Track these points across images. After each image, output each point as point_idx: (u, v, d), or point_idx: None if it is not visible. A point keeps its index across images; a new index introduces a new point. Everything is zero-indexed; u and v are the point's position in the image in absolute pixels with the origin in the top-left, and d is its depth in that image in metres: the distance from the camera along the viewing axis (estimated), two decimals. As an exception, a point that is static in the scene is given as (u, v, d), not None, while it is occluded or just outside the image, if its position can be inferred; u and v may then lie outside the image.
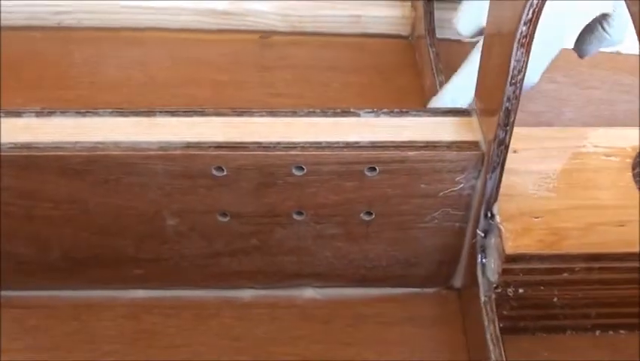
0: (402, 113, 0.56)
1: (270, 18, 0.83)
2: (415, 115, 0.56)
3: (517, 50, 0.48)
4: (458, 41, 0.81)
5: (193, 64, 0.81)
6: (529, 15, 0.46)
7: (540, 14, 0.46)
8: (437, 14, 0.78)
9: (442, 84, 0.70)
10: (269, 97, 0.77)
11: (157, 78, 0.79)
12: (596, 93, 0.79)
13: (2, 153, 0.53)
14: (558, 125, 0.74)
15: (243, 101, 0.75)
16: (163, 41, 0.83)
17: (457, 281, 0.62)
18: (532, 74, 0.67)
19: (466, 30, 0.67)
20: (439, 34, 0.78)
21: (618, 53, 0.81)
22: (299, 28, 0.83)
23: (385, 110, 0.56)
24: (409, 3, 0.82)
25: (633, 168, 0.60)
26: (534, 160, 0.60)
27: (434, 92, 0.70)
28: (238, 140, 0.54)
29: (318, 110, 0.56)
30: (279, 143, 0.54)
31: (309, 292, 0.63)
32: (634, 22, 0.32)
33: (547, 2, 0.45)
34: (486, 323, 0.55)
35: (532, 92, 0.73)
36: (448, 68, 0.73)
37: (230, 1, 0.82)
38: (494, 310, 0.56)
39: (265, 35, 0.83)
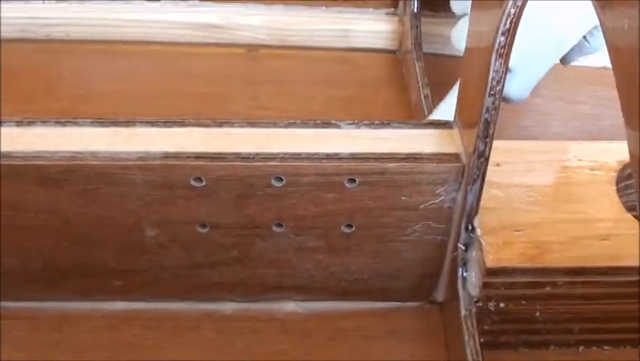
0: (383, 125, 0.56)
1: (258, 32, 0.83)
2: (396, 127, 0.56)
3: (496, 61, 0.47)
4: (445, 56, 0.81)
5: (180, 76, 0.81)
6: (507, 25, 0.46)
7: (518, 24, 0.46)
8: (424, 29, 0.78)
9: (427, 98, 0.70)
10: (254, 110, 0.77)
11: (144, 90, 0.79)
12: (582, 108, 0.79)
13: (-19, 163, 0.53)
14: (544, 139, 0.74)
15: (228, 113, 0.74)
16: (151, 54, 0.83)
17: (439, 295, 0.62)
18: (524, 89, 0.68)
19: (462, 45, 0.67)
20: (425, 49, 0.78)
21: (605, 68, 0.80)
22: (286, 42, 0.83)
23: (366, 121, 0.56)
24: (396, 17, 0.82)
25: (617, 183, 0.59)
26: (517, 173, 0.59)
27: (420, 106, 0.70)
28: (217, 150, 0.53)
29: (299, 122, 0.56)
30: (258, 154, 0.53)
31: (290, 306, 0.62)
32: (604, 35, 0.32)
33: (540, 14, 0.46)
34: (466, 338, 0.55)
35: (519, 106, 0.73)
36: (434, 83, 0.73)
37: (221, 15, 0.82)
38: (475, 324, 0.55)
39: (252, 49, 0.83)
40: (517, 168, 0.60)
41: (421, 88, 0.71)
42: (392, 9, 0.83)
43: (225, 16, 0.83)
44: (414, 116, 0.74)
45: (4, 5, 0.83)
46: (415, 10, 0.77)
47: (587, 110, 0.79)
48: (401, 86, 0.80)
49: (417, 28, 0.77)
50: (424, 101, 0.70)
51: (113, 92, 0.79)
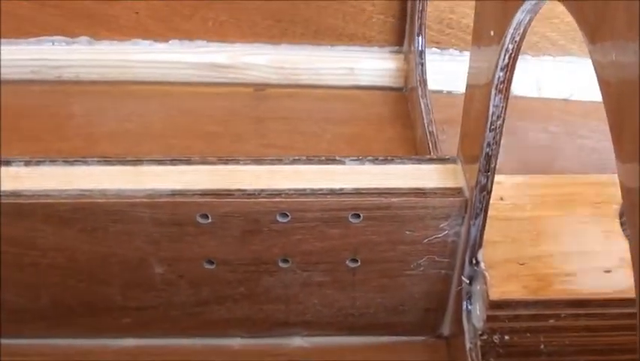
0: (386, 161, 0.57)
1: (265, 71, 0.84)
2: (399, 162, 0.57)
3: (495, 96, 0.48)
4: (450, 93, 0.82)
5: (189, 116, 0.82)
6: (505, 60, 0.46)
7: (516, 59, 0.47)
8: (429, 67, 0.79)
9: (432, 135, 0.71)
10: (262, 148, 0.78)
11: (153, 130, 0.80)
12: (587, 142, 0.80)
13: (-9, 202, 0.54)
14: (549, 173, 0.74)
15: (237, 151, 0.76)
16: (160, 94, 0.84)
17: (445, 329, 0.62)
18: None
19: None
20: (432, 87, 0.79)
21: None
22: (293, 80, 0.84)
23: (370, 157, 0.57)
24: (402, 56, 0.83)
25: (620, 216, 0.60)
26: (521, 207, 0.60)
27: (425, 143, 0.71)
28: (223, 187, 0.54)
29: (304, 158, 0.57)
30: (263, 190, 0.54)
31: (297, 341, 0.63)
32: (595, 69, 0.32)
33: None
34: (472, 371, 0.55)
35: (524, 141, 0.74)
36: (439, 120, 0.74)
37: (228, 55, 0.83)
38: (480, 357, 0.56)
39: (260, 88, 0.84)
40: (520, 201, 0.61)
41: (426, 125, 0.72)
42: (397, 47, 0.84)
43: (232, 55, 0.84)
44: (419, 153, 0.75)
45: (14, 47, 0.85)
46: (420, 47, 0.78)
47: (592, 145, 0.79)
48: (407, 124, 0.80)
49: (422, 65, 0.78)
50: (429, 138, 0.70)
51: (122, 131, 0.80)
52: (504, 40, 0.46)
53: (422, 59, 0.78)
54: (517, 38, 0.45)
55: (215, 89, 0.85)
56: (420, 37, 0.78)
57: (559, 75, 0.83)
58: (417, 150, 0.76)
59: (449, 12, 0.81)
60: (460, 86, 0.82)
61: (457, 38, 0.83)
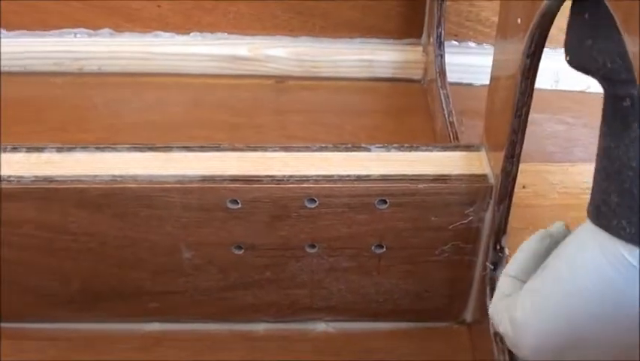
0: (412, 148, 0.58)
1: (285, 63, 0.85)
2: (424, 150, 0.58)
3: (522, 83, 0.49)
4: (469, 85, 0.83)
5: (210, 107, 0.83)
6: (532, 48, 0.47)
7: (543, 47, 0.47)
8: (447, 59, 0.80)
9: (452, 125, 0.72)
10: (284, 139, 0.78)
11: (175, 121, 0.81)
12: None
13: (25, 186, 0.55)
14: (568, 164, 0.75)
15: (258, 143, 0.77)
16: (181, 86, 0.85)
17: (468, 315, 0.63)
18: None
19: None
20: (449, 79, 0.80)
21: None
22: (313, 73, 0.85)
23: (396, 144, 0.57)
24: (420, 48, 0.84)
25: None
26: (542, 195, 0.61)
27: (446, 133, 0.72)
28: (252, 173, 0.55)
29: (330, 145, 0.58)
30: (292, 176, 0.55)
31: (321, 326, 0.64)
32: (634, 62, 0.33)
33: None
34: (496, 355, 0.56)
35: (543, 133, 0.75)
36: (457, 111, 0.75)
37: (249, 47, 0.84)
38: (504, 342, 0.56)
39: (280, 80, 0.85)
40: (542, 189, 0.62)
41: (446, 116, 0.73)
42: (415, 39, 0.85)
43: (253, 48, 0.85)
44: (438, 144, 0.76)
45: (38, 40, 0.86)
46: (440, 39, 0.79)
47: (609, 136, 0.80)
48: (426, 115, 0.81)
49: (441, 57, 0.78)
50: (449, 128, 0.71)
51: (144, 123, 0.81)
52: (531, 27, 0.47)
53: (441, 50, 0.79)
54: (545, 25, 0.46)
55: (235, 81, 0.85)
56: (439, 30, 0.78)
57: (576, 68, 0.84)
58: (437, 140, 0.77)
59: (468, 5, 0.82)
60: (477, 79, 0.84)
61: (475, 31, 0.84)
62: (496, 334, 0.57)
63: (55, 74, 0.86)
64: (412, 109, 0.83)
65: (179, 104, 0.83)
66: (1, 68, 0.86)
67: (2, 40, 0.86)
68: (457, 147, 0.58)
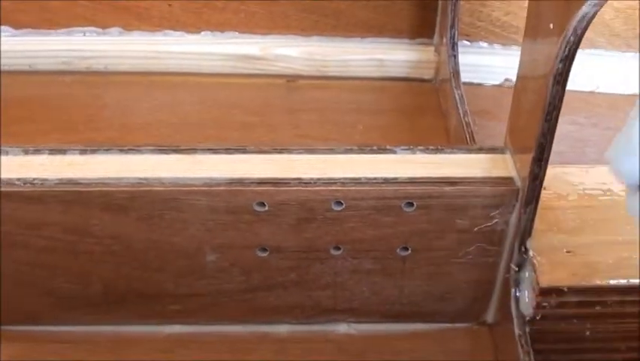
0: (437, 150, 0.58)
1: (296, 63, 0.85)
2: (449, 152, 0.58)
3: (553, 87, 0.49)
4: (480, 85, 0.83)
5: (222, 107, 0.82)
6: (566, 52, 0.47)
7: (576, 51, 0.48)
8: (460, 58, 0.80)
9: (468, 126, 0.72)
10: (297, 138, 0.78)
11: (187, 121, 0.81)
12: (614, 134, 0.81)
13: (49, 189, 0.55)
14: (580, 164, 0.75)
15: (272, 142, 0.77)
16: (191, 85, 0.85)
17: (489, 316, 0.63)
18: None
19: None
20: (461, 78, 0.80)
21: (634, 95, 0.82)
22: (324, 72, 0.85)
23: (421, 147, 0.58)
24: (431, 48, 0.84)
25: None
26: (564, 196, 0.61)
27: (461, 133, 0.72)
28: (279, 176, 0.55)
29: (355, 148, 0.58)
30: (319, 179, 0.55)
31: (343, 327, 0.64)
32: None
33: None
34: (521, 357, 0.56)
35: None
36: (469, 112, 0.75)
37: (260, 47, 0.84)
38: (529, 343, 0.57)
39: (291, 79, 0.85)
40: (563, 191, 0.62)
41: (462, 116, 0.73)
42: (426, 39, 0.85)
43: (264, 47, 0.85)
44: (453, 144, 0.76)
45: (46, 38, 0.85)
46: (454, 40, 0.79)
47: (619, 136, 0.80)
48: (438, 115, 0.81)
49: (455, 57, 0.79)
50: (465, 129, 0.71)
51: (155, 122, 0.81)
52: (566, 33, 0.47)
53: (455, 51, 0.79)
54: (580, 31, 0.46)
55: (246, 81, 0.85)
56: (453, 30, 0.79)
57: (585, 68, 0.84)
58: (450, 140, 0.77)
59: (480, 5, 0.82)
60: (488, 79, 0.85)
61: (487, 31, 0.84)
62: (521, 335, 0.57)
63: (64, 73, 0.86)
64: (424, 109, 0.83)
65: (189, 104, 0.83)
66: (7, 67, 0.85)
67: (9, 38, 0.85)
68: (480, 150, 0.59)
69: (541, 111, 0.51)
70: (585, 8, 0.45)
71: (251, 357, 0.62)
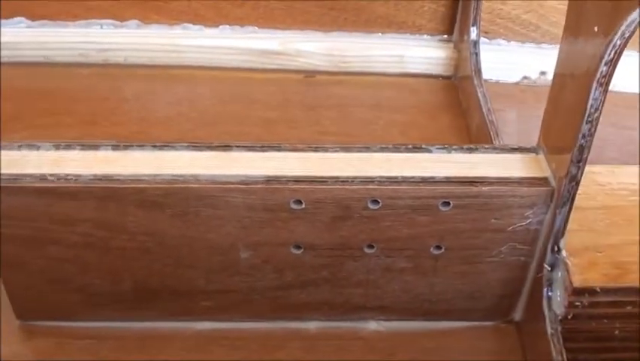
0: (472, 150, 0.58)
1: (316, 58, 0.85)
2: (483, 152, 0.58)
3: (596, 90, 0.49)
4: (499, 82, 0.84)
5: (241, 102, 0.82)
6: (611, 55, 0.48)
7: (622, 54, 0.48)
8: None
9: (492, 124, 0.72)
10: (318, 135, 0.78)
11: (207, 115, 0.80)
12: (634, 133, 0.81)
13: (83, 185, 0.54)
14: (602, 164, 0.76)
15: (293, 138, 0.77)
16: (210, 79, 0.85)
17: (517, 315, 0.64)
18: None
19: None
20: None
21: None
22: (343, 68, 0.85)
23: (456, 146, 0.58)
24: (451, 44, 0.85)
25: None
26: (592, 197, 0.61)
27: (485, 131, 0.72)
28: (317, 174, 0.55)
29: (391, 146, 0.58)
30: (356, 177, 0.55)
31: (373, 325, 0.64)
32: None
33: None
34: (554, 355, 0.56)
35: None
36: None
37: (279, 42, 0.84)
38: (561, 342, 0.57)
39: (310, 75, 0.85)
40: (591, 191, 0.62)
41: (485, 114, 0.73)
42: (446, 36, 0.85)
43: (283, 42, 0.85)
44: (474, 142, 0.76)
45: (63, 30, 0.85)
46: (475, 37, 0.79)
47: (637, 135, 0.81)
48: (457, 112, 0.82)
49: (476, 55, 0.79)
50: (489, 127, 0.72)
51: (176, 116, 0.80)
52: (612, 37, 0.47)
53: (476, 48, 0.79)
54: (627, 35, 0.47)
55: (265, 75, 0.85)
56: (474, 28, 0.79)
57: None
58: (471, 138, 0.78)
59: (500, 3, 0.82)
60: (506, 76, 0.85)
61: (506, 29, 0.84)
62: (553, 334, 0.58)
63: (81, 65, 0.86)
64: (444, 105, 0.83)
65: (209, 98, 0.83)
66: (23, 59, 0.85)
67: (25, 30, 0.85)
68: (514, 150, 0.59)
69: (581, 112, 0.51)
70: (635, 15, 0.45)
71: (280, 354, 0.62)
